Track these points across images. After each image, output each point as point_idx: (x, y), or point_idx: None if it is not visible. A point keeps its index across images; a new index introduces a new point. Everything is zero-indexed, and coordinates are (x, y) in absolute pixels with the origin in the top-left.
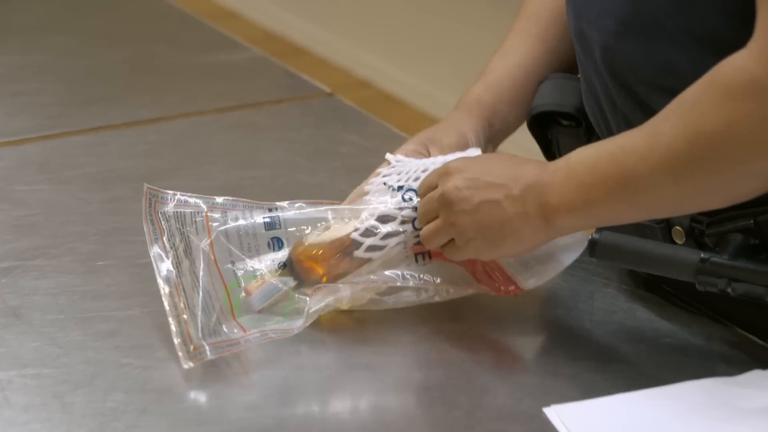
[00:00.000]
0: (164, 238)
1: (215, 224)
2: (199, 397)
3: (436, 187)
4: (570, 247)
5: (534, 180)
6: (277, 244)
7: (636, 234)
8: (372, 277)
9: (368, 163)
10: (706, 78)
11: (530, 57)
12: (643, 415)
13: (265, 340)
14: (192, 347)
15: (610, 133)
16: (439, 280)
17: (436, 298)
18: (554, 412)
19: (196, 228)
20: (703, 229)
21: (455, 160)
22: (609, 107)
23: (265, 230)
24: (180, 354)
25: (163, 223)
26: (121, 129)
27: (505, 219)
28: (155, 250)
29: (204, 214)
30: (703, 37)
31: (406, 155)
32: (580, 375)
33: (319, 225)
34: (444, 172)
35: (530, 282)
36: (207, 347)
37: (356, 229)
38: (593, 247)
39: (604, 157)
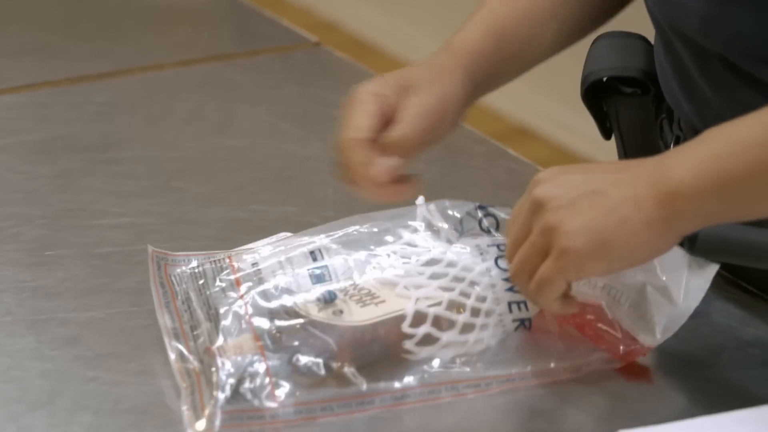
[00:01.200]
0: (177, 302)
1: (247, 283)
2: (183, 418)
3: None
4: (692, 284)
5: (649, 163)
6: (329, 296)
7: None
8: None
9: None
10: None
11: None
12: None
13: (303, 419)
14: (205, 412)
15: (701, 116)
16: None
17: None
18: None
19: (223, 289)
20: None
21: (546, 171)
22: (708, 85)
23: (312, 284)
24: (186, 419)
25: (176, 286)
26: (64, 86)
27: (610, 206)
28: (165, 318)
29: (230, 267)
30: None
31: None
32: (651, 394)
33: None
34: (533, 181)
35: (654, 338)
36: (219, 414)
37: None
38: (693, 241)
39: (748, 122)
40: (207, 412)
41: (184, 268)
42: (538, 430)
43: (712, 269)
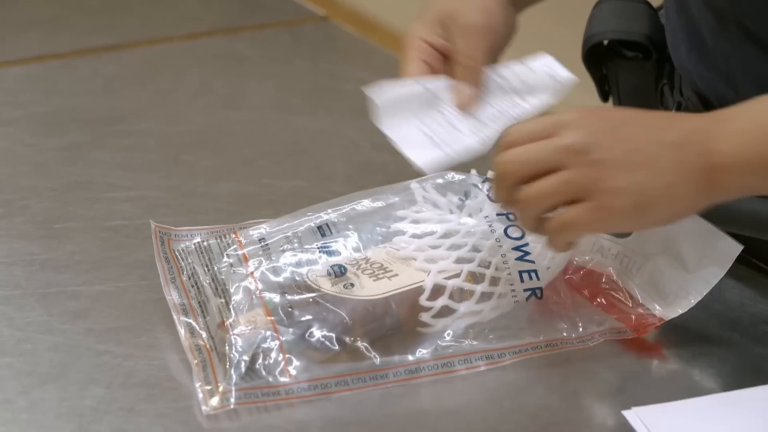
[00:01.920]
0: (183, 278)
1: (256, 259)
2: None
3: (539, 138)
4: (712, 259)
5: (696, 127)
6: (339, 270)
7: None
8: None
9: None
10: None
11: None
12: (738, 421)
13: (317, 395)
14: (219, 389)
15: (709, 81)
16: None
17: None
18: (635, 416)
19: (231, 264)
20: None
21: (570, 112)
22: (722, 50)
23: (322, 258)
24: (200, 396)
25: (181, 261)
26: (71, 58)
27: (657, 169)
28: (172, 293)
29: (237, 242)
30: None
31: (420, 43)
32: (662, 371)
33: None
34: (557, 123)
35: (666, 307)
36: (234, 391)
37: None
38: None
39: None
40: (221, 389)
41: (188, 243)
42: (550, 407)
43: (734, 248)
